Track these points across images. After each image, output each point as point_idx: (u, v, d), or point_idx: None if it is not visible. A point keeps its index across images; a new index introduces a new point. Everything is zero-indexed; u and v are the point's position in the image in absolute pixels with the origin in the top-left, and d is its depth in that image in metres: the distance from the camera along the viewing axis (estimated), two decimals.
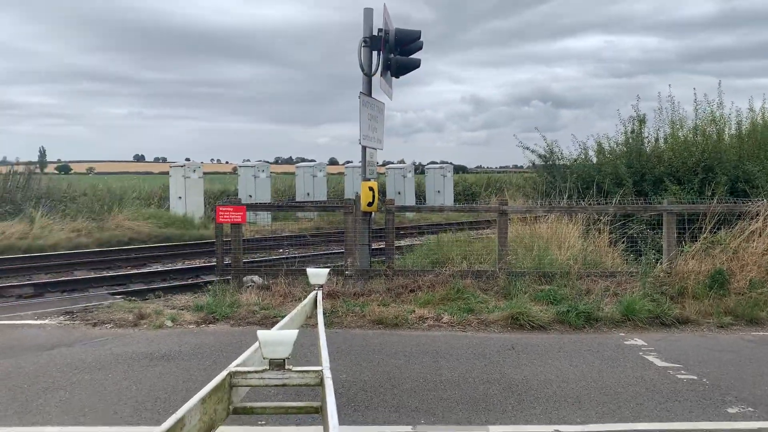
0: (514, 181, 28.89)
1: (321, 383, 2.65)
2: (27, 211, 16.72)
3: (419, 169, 34.13)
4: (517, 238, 10.99)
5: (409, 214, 25.84)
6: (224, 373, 2.69)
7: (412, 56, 9.54)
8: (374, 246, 10.98)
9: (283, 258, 13.66)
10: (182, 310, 8.65)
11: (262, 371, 2.73)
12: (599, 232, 10.45)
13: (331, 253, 13.99)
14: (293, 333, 2.76)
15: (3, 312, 8.83)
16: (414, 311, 8.43)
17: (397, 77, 9.67)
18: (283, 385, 2.75)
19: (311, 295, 5.31)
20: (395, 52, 9.33)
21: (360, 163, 9.95)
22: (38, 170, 29.48)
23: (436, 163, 30.42)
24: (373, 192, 9.31)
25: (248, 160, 24.48)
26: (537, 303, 8.55)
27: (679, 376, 6.08)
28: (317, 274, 5.66)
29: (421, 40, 9.41)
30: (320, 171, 24.95)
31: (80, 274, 12.94)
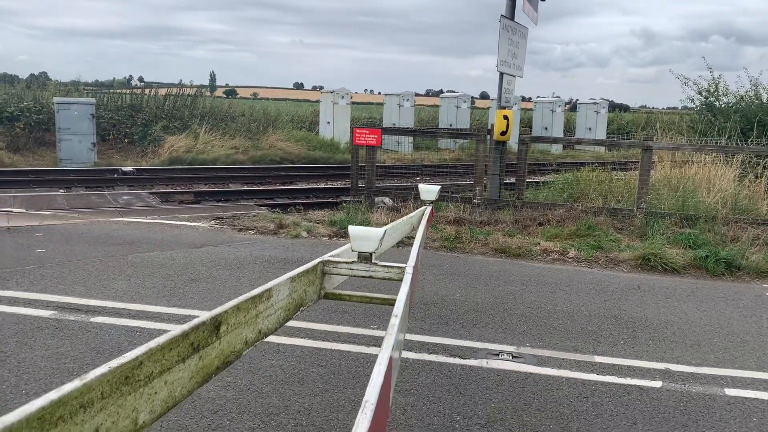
0: (677, 122, 26.69)
1: (402, 279, 2.80)
2: (192, 128, 18.31)
3: (574, 107, 32.50)
4: (663, 179, 10.32)
5: (555, 150, 24.93)
6: (317, 260, 2.93)
7: None
8: (506, 180, 10.83)
9: (414, 184, 13.88)
10: (317, 223, 9.21)
11: (351, 263, 2.93)
12: (756, 177, 9.49)
13: (465, 184, 13.99)
14: (380, 230, 2.94)
15: (166, 214, 9.93)
16: (539, 244, 8.32)
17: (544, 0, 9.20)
18: (370, 277, 2.95)
19: (420, 209, 5.45)
20: None
21: (500, 95, 9.72)
22: (208, 93, 31.89)
23: (595, 99, 28.75)
24: (508, 121, 9.12)
25: (397, 95, 24.72)
26: (674, 246, 8.07)
27: None
28: (428, 191, 5.76)
29: None
30: (464, 102, 24.61)
31: (233, 187, 14.12)
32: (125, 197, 11.41)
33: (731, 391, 4.24)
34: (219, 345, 1.98)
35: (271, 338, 4.76)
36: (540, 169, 18.24)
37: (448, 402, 3.86)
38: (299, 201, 12.17)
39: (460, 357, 4.59)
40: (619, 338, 5.16)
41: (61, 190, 12.12)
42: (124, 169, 14.79)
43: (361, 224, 8.91)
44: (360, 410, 1.44)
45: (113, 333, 4.72)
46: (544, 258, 7.94)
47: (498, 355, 4.69)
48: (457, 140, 22.19)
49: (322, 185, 15.17)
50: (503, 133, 9.22)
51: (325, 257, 2.99)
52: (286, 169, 17.07)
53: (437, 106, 28.77)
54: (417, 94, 25.76)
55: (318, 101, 24.57)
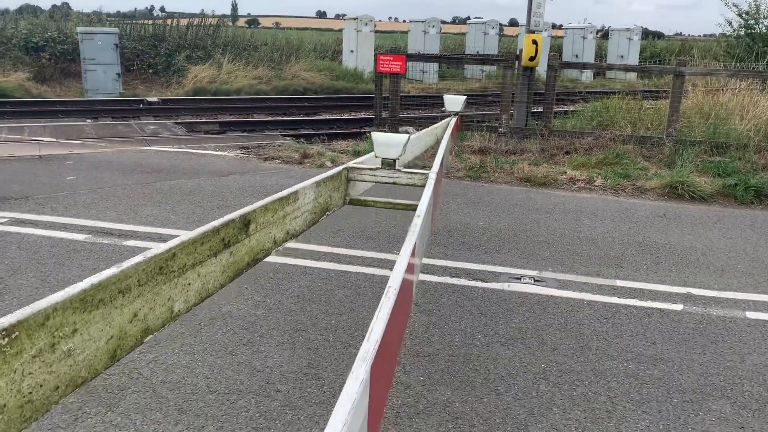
0: (714, 48, 25.70)
1: (425, 184, 2.83)
2: (215, 58, 18.16)
3: (606, 34, 31.36)
4: (695, 106, 10.06)
5: (585, 79, 24.29)
6: (341, 167, 2.98)
7: None
8: (534, 110, 10.65)
9: (439, 114, 13.73)
10: (341, 153, 9.22)
11: (375, 169, 3.01)
12: None
13: (492, 114, 13.79)
14: (404, 137, 2.98)
15: (193, 143, 10.02)
16: (565, 173, 8.25)
17: None
18: (393, 183, 3.01)
19: (445, 120, 5.42)
20: None
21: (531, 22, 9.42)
22: (230, 23, 31.42)
23: (628, 26, 27.68)
24: (537, 46, 8.88)
25: (423, 21, 24.07)
26: (702, 174, 7.95)
27: None
28: (454, 101, 5.71)
29: None
30: (492, 29, 23.92)
31: (258, 117, 14.11)
32: (151, 127, 11.50)
33: (752, 314, 4.27)
34: (249, 242, 2.07)
35: (299, 260, 4.89)
36: (569, 98, 17.85)
37: (470, 322, 3.96)
38: (323, 131, 12.14)
39: (482, 281, 4.67)
40: (641, 264, 5.19)
41: (89, 120, 12.24)
42: (149, 99, 14.84)
43: None
44: (384, 295, 1.49)
45: None
46: (570, 187, 7.89)
47: (520, 279, 4.76)
48: (484, 68, 21.68)
49: (345, 116, 15.07)
50: (532, 59, 9.00)
51: (350, 164, 3.04)
52: (309, 100, 16.95)
53: (464, 33, 28.01)
54: (443, 22, 25.04)
55: (341, 30, 24.08)
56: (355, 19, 21.71)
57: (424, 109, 15.36)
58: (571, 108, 14.31)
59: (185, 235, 1.70)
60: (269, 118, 13.94)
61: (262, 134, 11.55)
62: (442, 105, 15.09)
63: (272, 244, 2.28)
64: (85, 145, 9.36)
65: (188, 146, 9.64)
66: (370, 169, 3.02)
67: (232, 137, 10.96)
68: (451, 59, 20.20)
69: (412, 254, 1.94)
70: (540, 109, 10.30)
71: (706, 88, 10.49)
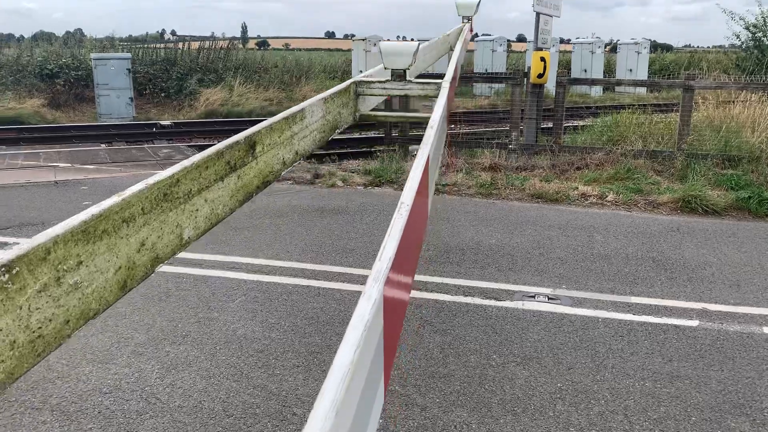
0: (723, 60, 25.66)
1: (437, 95, 2.70)
2: (227, 80, 18.38)
3: (615, 48, 31.39)
4: (705, 119, 10.03)
5: (595, 94, 24.29)
6: (349, 81, 2.85)
7: None
8: (543, 125, 10.67)
9: (449, 131, 13.77)
10: (353, 173, 9.28)
11: (385, 81, 2.86)
12: None
13: (501, 130, 13.82)
14: (413, 44, 2.79)
15: None
16: (577, 188, 8.24)
17: None
18: (405, 96, 2.87)
19: (457, 27, 5.14)
20: None
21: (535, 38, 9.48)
22: (240, 46, 31.79)
23: (636, 40, 27.74)
24: (545, 63, 8.93)
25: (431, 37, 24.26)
26: (715, 188, 7.91)
27: None
28: (466, 5, 5.37)
29: None
30: (500, 46, 24.04)
31: None
32: (165, 150, 11.63)
33: None
34: (256, 165, 2.01)
35: (312, 281, 4.91)
36: (578, 113, 17.86)
37: (485, 341, 3.96)
38: (334, 151, 12.22)
39: (496, 299, 4.67)
40: (656, 279, 5.16)
41: (103, 145, 12.41)
42: (162, 123, 15.02)
43: (395, 173, 8.95)
44: (396, 210, 1.42)
45: (160, 280, 4.93)
46: (581, 202, 7.88)
47: (534, 297, 4.75)
48: (493, 85, 21.77)
49: (356, 135, 15.16)
50: (540, 76, 9.04)
51: (358, 77, 2.91)
52: None
53: (472, 50, 28.18)
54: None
55: (350, 50, 24.30)
56: (363, 40, 21.91)
57: None
58: (581, 123, 14.32)
59: (187, 161, 1.65)
60: None
61: None
62: (452, 123, 15.14)
63: (281, 166, 2.21)
64: (100, 170, 9.48)
65: None
66: (380, 81, 2.86)
67: None
68: (461, 79, 20.28)
69: (426, 167, 1.86)
70: (550, 125, 10.32)
71: (716, 101, 10.47)
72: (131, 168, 9.67)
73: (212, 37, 31.47)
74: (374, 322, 1.06)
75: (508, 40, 26.14)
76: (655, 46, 41.08)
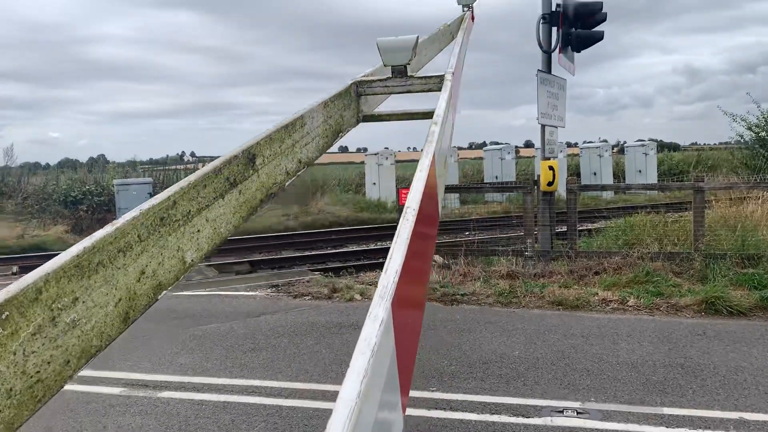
0: (729, 159, 26.05)
1: (442, 86, 2.57)
2: None
3: (622, 149, 32.07)
4: (720, 219, 10.07)
5: (607, 195, 24.55)
6: (349, 81, 2.74)
7: (594, 29, 9.15)
8: (558, 229, 10.75)
9: (463, 240, 13.90)
10: (370, 285, 9.29)
11: (386, 79, 2.73)
12: None
13: (516, 236, 13.91)
14: (412, 38, 2.63)
15: (224, 285, 10.21)
16: (597, 294, 8.17)
17: (579, 51, 9.34)
18: (407, 92, 2.71)
19: (458, 16, 5.01)
20: (575, 26, 9.02)
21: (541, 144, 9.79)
22: None
23: (643, 141, 28.41)
24: (554, 171, 9.14)
25: None
26: (738, 288, 7.81)
27: None
28: None
29: (604, 11, 8.98)
30: (508, 154, 24.69)
31: (287, 253, 14.43)
32: None
33: None
34: (258, 178, 1.92)
35: (332, 404, 4.80)
36: (592, 215, 18.01)
37: None
38: (351, 263, 12.32)
39: (524, 416, 4.53)
40: (687, 388, 5.00)
41: None
42: None
43: None
44: (401, 217, 1.33)
45: (180, 408, 4.86)
46: (603, 308, 7.79)
47: (562, 411, 4.60)
48: (504, 192, 22.16)
49: (372, 246, 15.32)
50: (550, 184, 9.23)
51: (358, 77, 2.77)
52: (336, 233, 17.35)
53: (481, 158, 28.93)
54: (460, 148, 26.01)
55: (362, 162, 25.06)
56: (375, 154, 22.66)
57: (449, 234, 15.57)
58: (595, 226, 14.40)
59: (184, 181, 1.58)
60: (298, 254, 14.24)
61: (291, 270, 11.75)
62: (466, 230, 15.22)
63: (285, 176, 2.11)
64: None
65: (220, 288, 9.82)
66: (381, 80, 2.72)
67: (263, 276, 11.17)
68: (471, 189, 20.76)
69: (432, 166, 1.72)
70: (564, 229, 10.39)
71: (728, 200, 10.55)
72: None
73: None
74: (383, 344, 0.96)
75: (516, 146, 26.89)
76: (662, 146, 41.92)
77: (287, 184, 2.15)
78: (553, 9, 9.06)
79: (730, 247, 8.84)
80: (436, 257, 10.39)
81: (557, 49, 9.07)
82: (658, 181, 26.70)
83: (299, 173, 2.22)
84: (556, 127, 9.64)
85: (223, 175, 1.73)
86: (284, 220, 18.51)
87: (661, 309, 7.60)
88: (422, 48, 3.24)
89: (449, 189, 19.44)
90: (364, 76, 2.78)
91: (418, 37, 2.62)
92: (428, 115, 2.57)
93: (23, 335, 1.06)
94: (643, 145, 27.06)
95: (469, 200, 22.63)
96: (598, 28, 9.17)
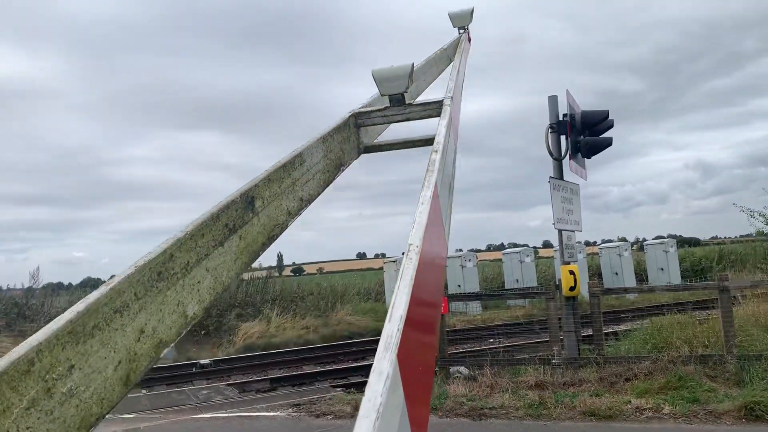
0: (751, 254, 25.72)
1: (441, 112, 2.51)
2: (265, 313, 18.87)
3: (642, 246, 31.92)
4: (750, 316, 9.82)
5: (630, 296, 24.17)
6: (347, 114, 2.71)
7: (602, 135, 9.41)
8: (584, 333, 10.54)
9: (489, 348, 13.61)
10: None
11: (384, 109, 2.68)
12: None
13: (541, 342, 13.62)
14: (407, 66, 2.59)
15: (244, 405, 9.98)
16: (630, 402, 7.85)
17: (589, 158, 9.56)
18: (407, 120, 2.68)
19: (454, 38, 4.82)
20: (584, 133, 9.30)
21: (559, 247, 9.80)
22: (276, 274, 33.13)
23: (663, 237, 28.31)
24: (575, 276, 9.08)
25: (460, 250, 25.14)
26: None
27: None
28: (460, 15, 4.83)
29: (610, 119, 9.28)
30: (527, 256, 24.65)
31: (307, 369, 14.15)
32: (204, 392, 11.59)
33: None
34: (258, 221, 1.84)
35: None
36: (617, 317, 17.68)
37: None
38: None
39: None
40: None
41: (144, 390, 12.42)
42: (202, 362, 15.15)
43: (438, 399, 8.69)
44: (404, 257, 1.24)
45: None
46: (637, 417, 7.45)
47: None
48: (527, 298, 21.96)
49: None
50: (572, 289, 9.15)
51: (356, 109, 2.75)
52: (356, 344, 17.08)
53: (500, 260, 28.89)
54: (478, 250, 26.04)
55: (381, 268, 25.10)
56: (394, 261, 22.74)
57: (472, 342, 15.29)
58: (621, 327, 14.09)
59: (180, 232, 1.51)
60: (318, 369, 13.96)
61: (312, 387, 11.50)
62: (490, 337, 14.96)
63: (287, 216, 2.04)
64: (141, 418, 9.40)
65: (240, 409, 9.60)
66: (379, 110, 2.69)
67: (283, 394, 10.92)
68: (493, 296, 20.63)
69: (434, 197, 1.61)
70: (590, 332, 10.17)
71: (757, 297, 10.33)
72: (171, 414, 9.57)
73: (251, 269, 32.95)
74: (391, 403, 0.86)
75: (535, 248, 26.89)
76: (681, 242, 41.72)
77: (290, 224, 2.08)
78: (560, 118, 9.37)
79: (764, 347, 8.56)
80: (462, 369, 10.15)
81: (567, 156, 9.30)
82: (682, 278, 26.36)
83: (302, 212, 2.16)
84: (573, 231, 9.69)
85: (221, 222, 1.66)
86: (304, 333, 18.34)
87: (699, 416, 7.26)
88: (419, 74, 3.27)
89: (473, 297, 19.34)
90: (362, 107, 2.75)
91: (413, 64, 2.62)
92: (429, 141, 2.54)
93: (16, 411, 1.02)
94: (662, 243, 26.93)
95: (491, 305, 22.38)
96: (606, 135, 9.44)
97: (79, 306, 1.18)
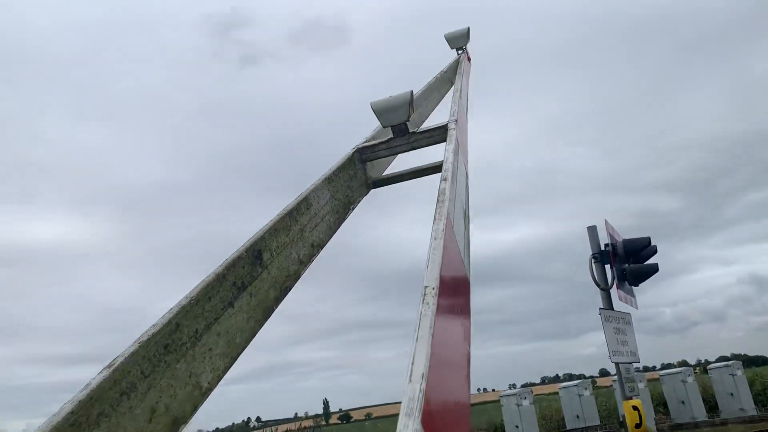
0: None
1: (446, 137, 2.37)
2: None
3: (705, 370, 30.14)
4: None
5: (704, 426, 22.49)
6: (351, 150, 2.57)
7: (647, 262, 9.28)
8: None
9: None
10: None
11: (388, 140, 2.56)
12: None
13: None
14: (405, 94, 2.48)
15: None
16: None
17: (636, 285, 9.36)
18: (412, 149, 2.55)
19: (453, 60, 4.41)
20: (628, 261, 9.18)
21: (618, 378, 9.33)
22: (323, 422, 32.12)
23: (726, 357, 26.79)
24: (639, 411, 8.55)
25: (513, 386, 24.17)
26: None
27: None
28: (456, 36, 4.66)
29: (653, 245, 9.19)
30: (586, 389, 23.41)
31: None
32: None
33: None
34: (268, 274, 1.68)
35: None
36: None
37: None
38: None
39: None
40: None
41: None
42: None
43: None
44: (420, 301, 1.07)
45: None
46: None
47: None
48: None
49: None
50: (638, 426, 8.57)
51: (359, 145, 2.64)
52: None
53: (556, 393, 27.50)
54: (533, 384, 24.96)
55: None
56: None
57: None
58: None
59: (184, 299, 1.36)
60: None
61: None
62: None
63: (298, 265, 1.88)
64: None
65: None
66: (383, 142, 2.57)
67: None
68: None
69: (447, 227, 1.42)
70: None
71: None
72: None
73: (296, 418, 32.10)
74: None
75: (592, 377, 25.65)
76: (747, 361, 39.42)
77: (303, 273, 1.96)
78: (602, 248, 9.32)
79: None
80: None
81: (614, 286, 9.12)
82: (755, 403, 24.56)
83: (314, 258, 2.06)
84: (630, 363, 9.26)
85: (228, 281, 1.56)
86: None
87: None
88: (421, 100, 3.22)
89: None
90: (366, 141, 2.68)
91: (412, 92, 2.57)
92: (439, 168, 2.45)
93: None
94: (728, 365, 25.41)
95: None
96: (650, 261, 9.29)
97: (81, 395, 1.09)
